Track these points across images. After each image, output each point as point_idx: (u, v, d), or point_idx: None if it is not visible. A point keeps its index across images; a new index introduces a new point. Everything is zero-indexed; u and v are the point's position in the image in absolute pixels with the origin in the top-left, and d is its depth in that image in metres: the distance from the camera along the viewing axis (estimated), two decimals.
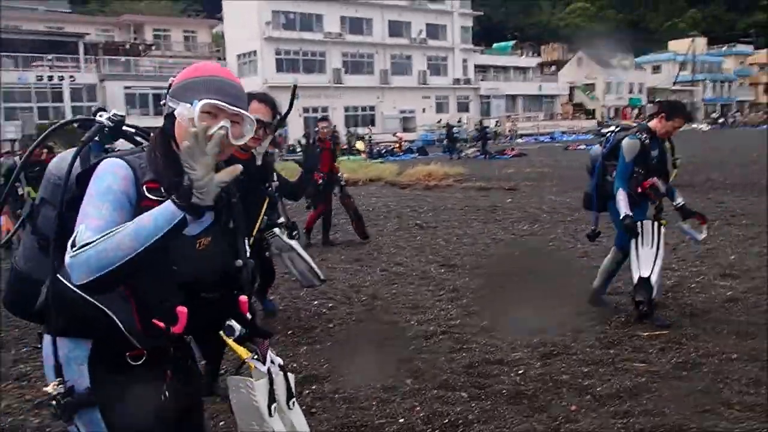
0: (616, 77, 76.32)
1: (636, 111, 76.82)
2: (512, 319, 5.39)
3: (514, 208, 12.72)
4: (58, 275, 1.76)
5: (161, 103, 1.86)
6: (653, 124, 5.17)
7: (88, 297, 1.69)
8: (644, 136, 5.06)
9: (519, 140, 48.19)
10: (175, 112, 1.78)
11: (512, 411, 3.73)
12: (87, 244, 1.57)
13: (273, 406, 1.92)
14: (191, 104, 1.75)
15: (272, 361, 1.99)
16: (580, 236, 9.25)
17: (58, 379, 1.78)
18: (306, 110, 48.50)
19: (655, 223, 5.09)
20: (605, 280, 5.62)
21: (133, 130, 2.01)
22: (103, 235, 1.57)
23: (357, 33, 53.68)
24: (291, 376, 2.02)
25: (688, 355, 4.47)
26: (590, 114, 72.00)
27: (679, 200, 5.26)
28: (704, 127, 61.08)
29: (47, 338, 1.84)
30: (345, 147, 34.37)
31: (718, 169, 18.35)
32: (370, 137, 39.27)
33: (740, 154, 24.17)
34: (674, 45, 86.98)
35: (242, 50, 49.92)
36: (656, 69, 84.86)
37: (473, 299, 6.19)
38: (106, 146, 1.99)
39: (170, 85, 1.84)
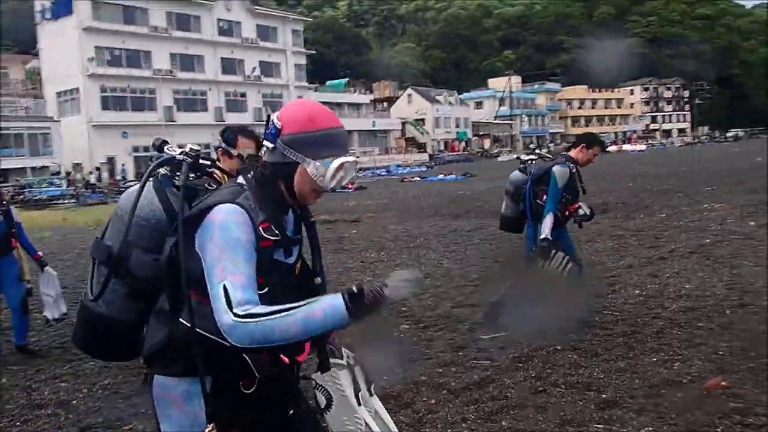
0: (443, 112, 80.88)
1: (463, 144, 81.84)
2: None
3: (360, 238, 13.38)
4: (181, 319, 1.86)
5: (267, 147, 1.92)
6: (574, 153, 5.79)
7: (221, 340, 1.75)
8: (572, 165, 5.68)
9: (358, 174, 49.57)
10: (308, 170, 1.87)
11: None
12: (253, 316, 1.68)
13: (360, 395, 2.05)
14: (321, 163, 1.87)
15: (347, 355, 2.13)
16: (423, 260, 10.08)
17: (211, 425, 1.84)
18: (136, 149, 46.91)
19: (563, 257, 5.52)
20: None
21: (208, 163, 2.08)
22: (272, 314, 1.69)
23: (188, 70, 52.95)
24: (364, 366, 2.16)
25: (522, 351, 5.23)
26: (422, 147, 75.64)
27: (582, 210, 5.84)
28: (524, 156, 66.20)
29: (161, 379, 1.92)
30: None
31: None
32: None
33: None
34: (493, 83, 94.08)
35: (63, 87, 47.43)
36: (479, 105, 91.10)
37: None
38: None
39: (277, 129, 1.90)
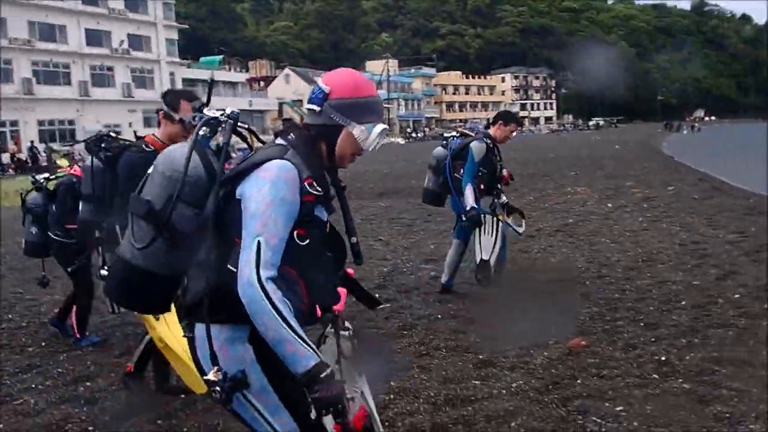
0: None
1: None
2: None
3: None
4: (229, 266, 1.94)
5: (314, 108, 2.06)
6: (492, 131, 6.07)
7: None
8: (489, 141, 5.96)
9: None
10: (354, 133, 2.05)
11: None
12: (267, 293, 1.82)
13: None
14: (365, 127, 2.05)
15: (349, 328, 2.25)
16: None
17: (216, 367, 1.92)
18: None
19: (494, 217, 6.00)
20: (453, 271, 6.37)
21: (246, 127, 2.22)
22: (277, 309, 1.82)
23: (49, 40, 49.59)
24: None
25: (406, 320, 5.58)
26: None
27: (504, 198, 6.23)
28: (401, 140, 67.68)
29: (202, 327, 1.97)
30: (45, 164, 31.79)
31: (416, 177, 20.95)
32: (73, 153, 36.72)
33: None
34: (371, 65, 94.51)
35: None
36: None
37: None
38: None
39: (325, 93, 2.04)
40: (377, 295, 6.27)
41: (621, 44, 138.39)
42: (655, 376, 4.15)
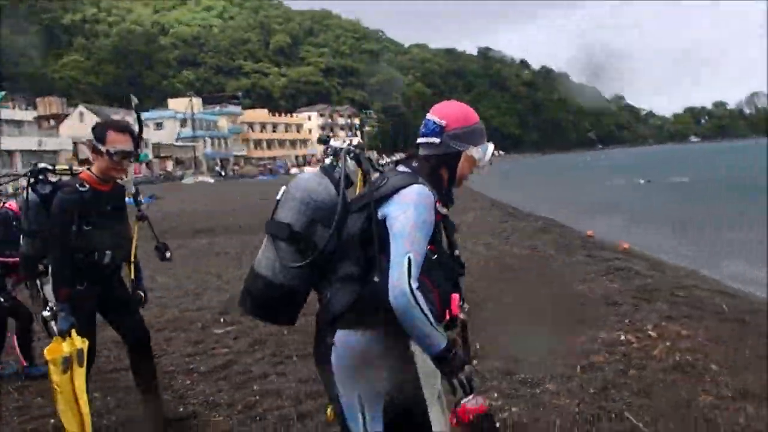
0: None
1: (144, 166, 78.93)
2: None
3: None
4: (375, 278, 2.27)
5: (433, 141, 2.45)
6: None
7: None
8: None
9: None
10: (473, 155, 2.48)
11: None
12: (416, 299, 2.16)
13: None
14: (480, 148, 2.51)
15: None
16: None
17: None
18: None
19: None
20: None
21: (367, 157, 2.54)
22: (423, 311, 2.17)
23: None
24: None
25: (255, 337, 6.10)
26: None
27: None
28: (209, 179, 66.65)
29: (346, 333, 2.34)
30: None
31: (231, 215, 21.18)
32: None
33: (250, 200, 27.75)
34: (174, 103, 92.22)
35: None
36: (159, 125, 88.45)
37: None
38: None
39: (441, 127, 2.45)
40: (222, 320, 6.76)
41: (417, 85, 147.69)
42: (475, 361, 5.08)
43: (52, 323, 3.63)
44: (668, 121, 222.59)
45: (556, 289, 7.76)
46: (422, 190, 2.31)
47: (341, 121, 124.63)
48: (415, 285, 2.18)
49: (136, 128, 3.96)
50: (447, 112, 2.49)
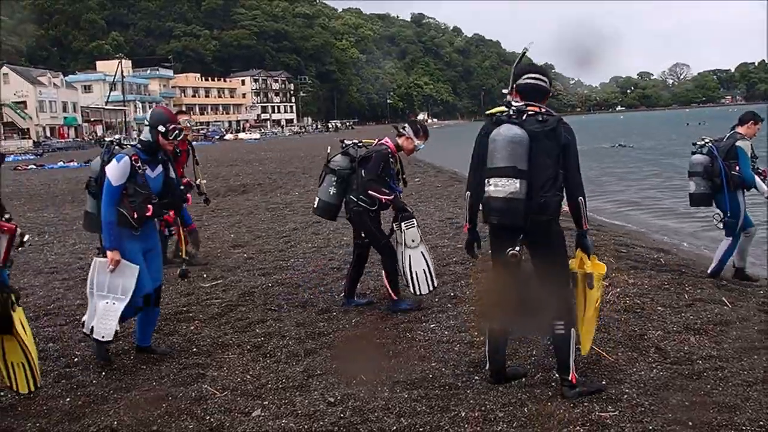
0: (48, 95, 74.38)
1: (73, 130, 76.50)
2: None
3: None
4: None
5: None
6: (742, 130, 6.58)
7: None
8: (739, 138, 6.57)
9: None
10: None
11: None
12: None
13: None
14: None
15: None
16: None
17: None
18: None
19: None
20: (743, 258, 6.84)
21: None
22: None
23: None
24: None
25: (243, 290, 6.50)
26: (25, 133, 68.65)
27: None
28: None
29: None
30: None
31: None
32: None
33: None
34: (103, 66, 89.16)
35: None
36: (87, 89, 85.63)
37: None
38: None
39: None
40: (204, 275, 7.11)
41: (352, 51, 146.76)
42: (449, 305, 5.67)
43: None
44: (596, 90, 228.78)
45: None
46: None
47: (275, 86, 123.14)
48: None
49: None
50: None
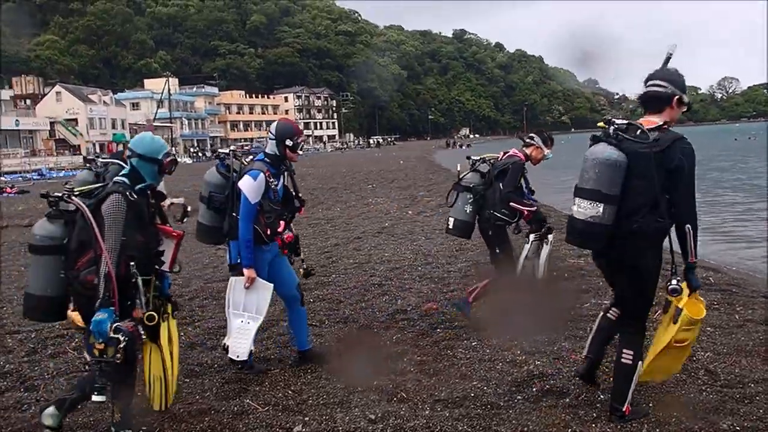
0: (98, 113, 76.49)
1: (120, 146, 78.20)
2: None
3: None
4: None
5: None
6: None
7: None
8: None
9: (3, 178, 44.81)
10: None
11: None
12: None
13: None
14: None
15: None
16: None
17: None
18: None
19: None
20: None
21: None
22: None
23: None
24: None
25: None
26: (76, 149, 70.68)
27: None
28: (188, 160, 66.49)
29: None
30: None
31: None
32: None
33: None
34: (150, 84, 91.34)
35: None
36: (135, 106, 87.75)
37: None
38: None
39: None
40: None
41: (393, 67, 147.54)
42: (492, 322, 5.61)
43: None
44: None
45: (554, 263, 8.29)
46: None
47: (318, 102, 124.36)
48: None
49: None
50: None
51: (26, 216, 18.41)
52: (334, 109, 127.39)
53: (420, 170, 30.79)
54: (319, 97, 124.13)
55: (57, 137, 71.85)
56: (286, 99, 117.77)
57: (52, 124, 70.66)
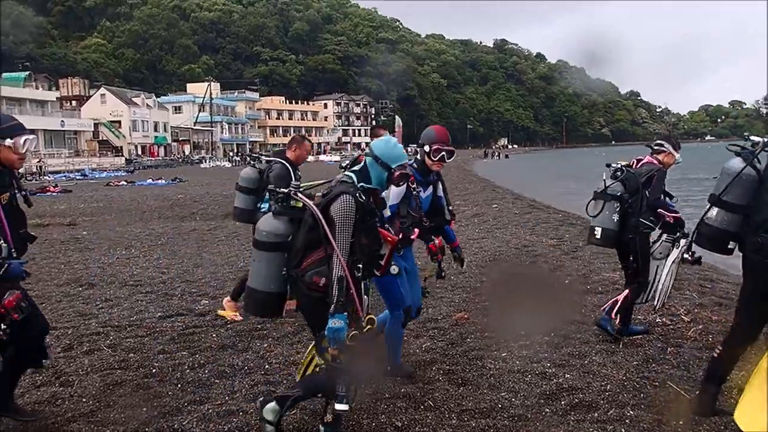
0: (141, 115, 78.04)
1: (162, 149, 79.84)
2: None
3: (99, 239, 13.27)
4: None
5: None
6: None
7: None
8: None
9: (47, 177, 45.98)
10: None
11: None
12: None
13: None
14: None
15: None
16: (182, 254, 10.82)
17: None
18: None
19: None
20: None
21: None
22: None
23: None
24: None
25: None
26: (118, 151, 72.19)
27: None
28: (227, 164, 67.35)
29: None
30: None
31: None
32: None
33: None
34: (193, 88, 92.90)
35: None
36: (178, 109, 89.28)
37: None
38: None
39: None
40: None
41: (433, 76, 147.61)
42: (522, 332, 5.58)
43: None
44: (683, 118, 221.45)
45: (589, 276, 8.21)
46: None
47: (357, 110, 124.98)
48: None
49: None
50: None
51: (68, 215, 18.78)
52: (372, 116, 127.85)
53: (457, 180, 30.69)
54: (358, 104, 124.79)
55: (100, 138, 73.48)
56: (325, 105, 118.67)
57: (96, 125, 72.35)
